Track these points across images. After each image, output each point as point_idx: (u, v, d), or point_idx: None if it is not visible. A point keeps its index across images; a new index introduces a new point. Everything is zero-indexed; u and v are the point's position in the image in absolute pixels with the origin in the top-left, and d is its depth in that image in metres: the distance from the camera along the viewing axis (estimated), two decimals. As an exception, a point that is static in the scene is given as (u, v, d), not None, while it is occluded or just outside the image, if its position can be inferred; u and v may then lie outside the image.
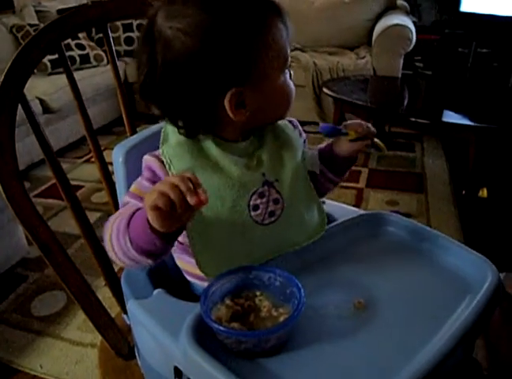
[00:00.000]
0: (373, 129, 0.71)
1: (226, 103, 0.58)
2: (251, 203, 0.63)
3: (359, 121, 0.71)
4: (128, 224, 0.55)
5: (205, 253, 0.62)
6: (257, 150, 0.66)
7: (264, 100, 0.61)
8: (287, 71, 0.63)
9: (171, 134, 0.65)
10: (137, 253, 0.54)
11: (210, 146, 0.63)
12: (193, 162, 0.61)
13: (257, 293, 0.59)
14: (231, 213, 0.62)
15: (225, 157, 0.62)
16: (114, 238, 0.57)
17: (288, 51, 0.61)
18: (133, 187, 0.65)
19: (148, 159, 0.64)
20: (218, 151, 0.62)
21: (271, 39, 0.58)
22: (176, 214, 0.49)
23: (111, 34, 0.87)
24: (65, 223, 2.07)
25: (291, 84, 0.64)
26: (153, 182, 0.62)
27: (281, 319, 0.55)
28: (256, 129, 0.67)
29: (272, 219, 0.65)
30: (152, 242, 0.52)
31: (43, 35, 0.74)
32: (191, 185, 0.48)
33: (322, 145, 0.77)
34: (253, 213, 0.63)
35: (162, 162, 0.62)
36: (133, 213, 0.55)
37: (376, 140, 0.72)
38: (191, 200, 0.47)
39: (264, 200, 0.64)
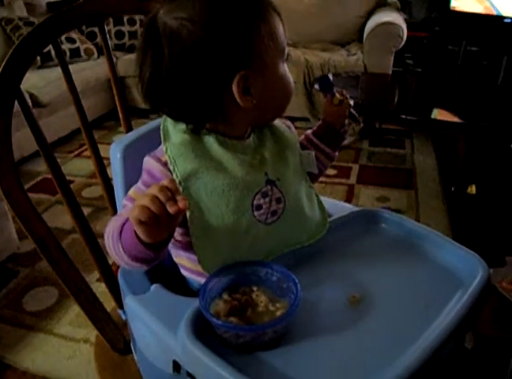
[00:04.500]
0: (350, 100, 0.81)
1: (234, 87, 0.59)
2: (255, 203, 0.63)
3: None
4: (120, 234, 0.58)
5: (208, 252, 0.62)
6: (259, 147, 0.67)
7: (268, 88, 0.62)
8: (285, 64, 0.64)
9: (173, 132, 0.64)
10: (132, 260, 0.58)
11: (214, 145, 0.63)
12: (197, 162, 0.61)
13: (254, 288, 0.60)
14: (234, 213, 0.62)
15: (229, 156, 0.63)
16: (111, 244, 0.60)
17: (285, 42, 0.63)
18: (131, 191, 0.66)
19: (148, 162, 0.64)
20: (222, 151, 0.63)
21: (269, 24, 0.60)
22: (160, 224, 0.51)
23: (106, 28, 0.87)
24: (56, 218, 2.06)
25: (291, 77, 0.66)
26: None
27: (278, 313, 0.56)
28: (257, 128, 0.68)
29: (275, 218, 0.65)
30: (142, 251, 0.55)
31: (39, 31, 0.74)
32: (170, 194, 0.50)
33: (312, 129, 0.83)
34: (256, 213, 0.64)
35: (164, 164, 0.62)
36: (125, 222, 0.58)
37: (352, 110, 0.82)
38: (171, 209, 0.49)
39: (267, 199, 0.64)
